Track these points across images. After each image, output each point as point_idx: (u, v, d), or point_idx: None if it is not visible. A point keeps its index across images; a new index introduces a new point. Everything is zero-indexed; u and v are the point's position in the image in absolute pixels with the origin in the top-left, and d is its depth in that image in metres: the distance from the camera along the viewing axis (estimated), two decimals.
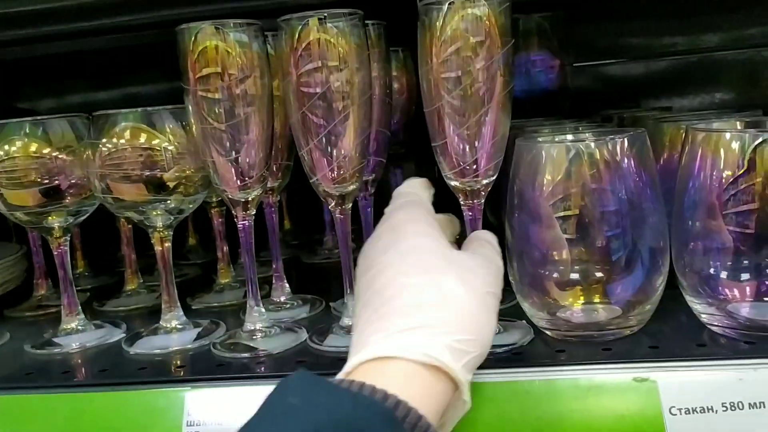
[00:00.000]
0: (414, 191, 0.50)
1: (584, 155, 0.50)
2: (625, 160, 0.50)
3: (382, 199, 0.97)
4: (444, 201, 0.54)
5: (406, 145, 0.92)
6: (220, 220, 0.75)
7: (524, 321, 0.55)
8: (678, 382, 0.46)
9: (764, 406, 0.44)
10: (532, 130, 0.66)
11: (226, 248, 0.76)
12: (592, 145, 0.49)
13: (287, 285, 0.68)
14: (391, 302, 0.39)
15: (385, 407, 0.33)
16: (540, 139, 0.54)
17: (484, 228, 0.61)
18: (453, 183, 0.53)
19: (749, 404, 0.44)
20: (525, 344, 0.52)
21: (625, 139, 0.49)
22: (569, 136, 0.54)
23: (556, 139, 0.53)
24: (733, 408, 0.44)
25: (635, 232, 0.50)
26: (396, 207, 0.48)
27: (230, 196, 0.55)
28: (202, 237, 0.97)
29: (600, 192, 0.50)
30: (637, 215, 0.50)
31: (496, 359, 0.50)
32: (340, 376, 0.38)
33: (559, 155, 0.50)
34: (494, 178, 0.53)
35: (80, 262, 0.88)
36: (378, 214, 0.67)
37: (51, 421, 0.52)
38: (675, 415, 0.45)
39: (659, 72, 1.03)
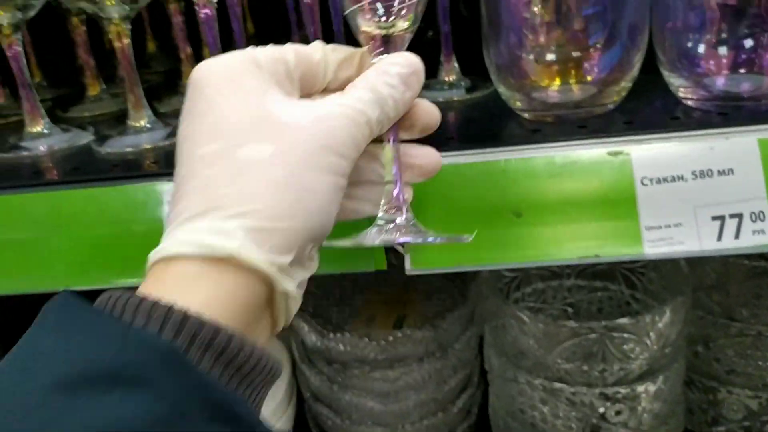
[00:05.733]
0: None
1: None
2: None
3: None
4: None
5: None
6: (180, 17, 0.71)
7: None
8: (650, 154, 0.46)
9: (732, 173, 0.46)
10: None
11: (189, 49, 0.72)
12: None
13: None
14: (184, 184, 0.32)
15: (162, 342, 0.26)
16: None
17: (453, 18, 0.59)
18: None
19: (718, 171, 0.46)
20: None
21: None
22: None
23: None
24: (702, 176, 0.46)
25: (616, 9, 0.48)
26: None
27: None
28: (162, 44, 0.93)
29: None
30: None
31: (470, 140, 0.50)
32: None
33: None
34: None
35: (36, 73, 0.84)
36: None
37: (28, 220, 0.52)
38: (646, 185, 0.46)
39: None
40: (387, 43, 0.37)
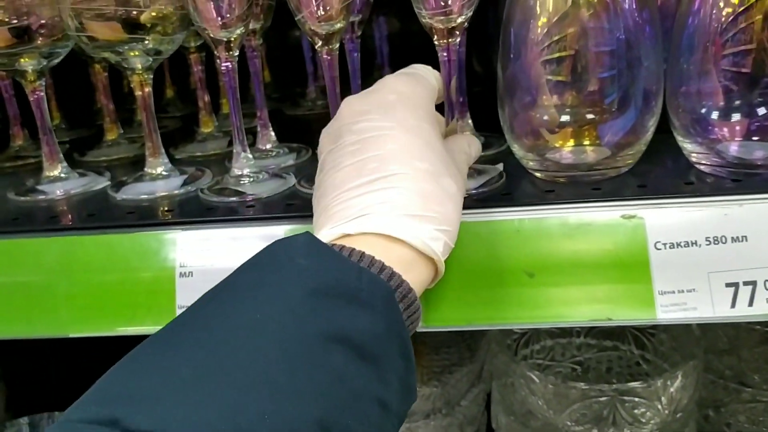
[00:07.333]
0: (422, 72, 0.48)
1: None
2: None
3: (366, 44, 0.95)
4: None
5: None
6: (200, 67, 0.72)
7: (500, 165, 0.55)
8: (664, 219, 0.46)
9: (746, 240, 0.45)
10: None
11: (207, 97, 0.73)
12: None
13: (272, 133, 0.67)
14: (393, 179, 0.40)
15: (387, 286, 0.36)
16: None
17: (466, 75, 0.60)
18: (426, 21, 0.49)
19: (732, 238, 0.45)
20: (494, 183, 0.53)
21: None
22: None
23: None
24: (716, 242, 0.46)
25: (630, 73, 0.49)
26: (396, 75, 0.46)
27: (212, 35, 0.52)
28: (180, 89, 0.94)
29: (597, 31, 0.48)
30: (633, 56, 0.49)
31: (484, 199, 0.50)
32: (334, 234, 0.39)
33: None
34: (470, 15, 0.49)
35: (55, 114, 0.85)
36: (364, 60, 0.65)
37: (42, 264, 0.52)
38: (659, 249, 0.46)
39: None
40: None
